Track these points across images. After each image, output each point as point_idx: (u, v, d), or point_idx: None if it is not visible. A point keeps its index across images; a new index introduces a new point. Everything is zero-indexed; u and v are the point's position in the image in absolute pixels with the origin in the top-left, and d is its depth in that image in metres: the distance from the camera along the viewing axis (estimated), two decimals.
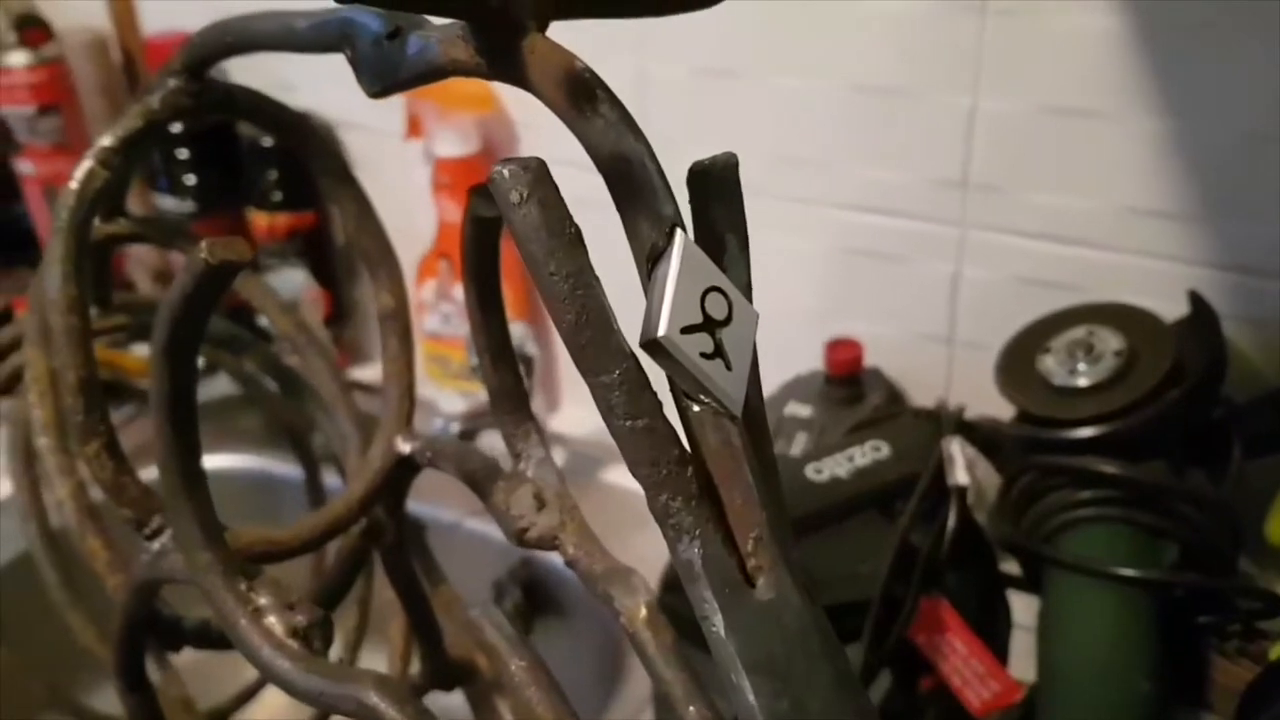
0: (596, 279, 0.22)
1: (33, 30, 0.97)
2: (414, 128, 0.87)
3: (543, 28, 0.25)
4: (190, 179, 0.95)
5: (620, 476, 0.87)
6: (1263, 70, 0.63)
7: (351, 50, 0.29)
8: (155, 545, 0.35)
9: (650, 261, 0.23)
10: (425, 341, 0.91)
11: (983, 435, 0.65)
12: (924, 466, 0.63)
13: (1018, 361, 0.66)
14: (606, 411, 0.22)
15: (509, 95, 0.85)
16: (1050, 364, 0.64)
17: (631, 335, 0.23)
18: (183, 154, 0.95)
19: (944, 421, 0.66)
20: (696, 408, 0.23)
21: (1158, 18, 0.65)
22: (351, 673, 0.28)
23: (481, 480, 0.35)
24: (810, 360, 0.78)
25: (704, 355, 0.22)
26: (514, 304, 0.88)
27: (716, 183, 0.25)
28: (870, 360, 0.78)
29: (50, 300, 0.34)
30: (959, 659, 0.60)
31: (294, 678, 0.29)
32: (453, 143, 0.85)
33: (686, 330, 0.22)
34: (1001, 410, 0.67)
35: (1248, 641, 0.61)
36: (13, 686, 0.68)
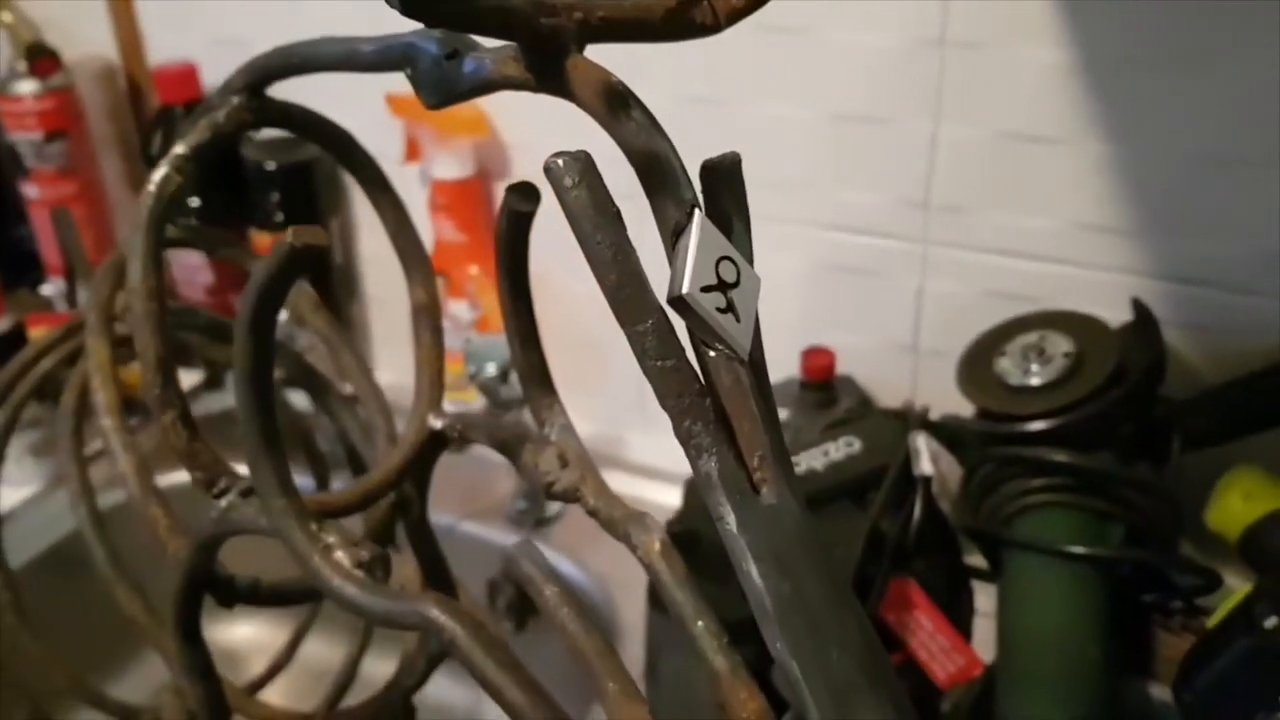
0: (633, 248, 0.28)
1: (42, 60, 1.02)
2: (412, 152, 0.93)
3: (581, 49, 0.30)
4: (194, 201, 0.99)
5: (614, 481, 0.92)
6: (1200, 98, 0.70)
7: (413, 70, 0.34)
8: (222, 503, 0.40)
9: (674, 236, 0.28)
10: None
11: (946, 430, 0.70)
12: (892, 460, 0.69)
13: (976, 364, 0.72)
14: (641, 354, 0.27)
15: (502, 121, 0.91)
16: (1006, 365, 0.70)
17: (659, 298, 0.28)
18: None
19: (910, 419, 0.71)
20: (712, 353, 0.28)
21: (1103, 52, 0.72)
22: (413, 594, 0.33)
23: (512, 445, 0.40)
24: (787, 368, 0.84)
25: (719, 310, 0.28)
26: None
27: (724, 176, 0.30)
28: (842, 368, 0.84)
29: (134, 288, 0.39)
30: (926, 635, 0.66)
31: (362, 600, 0.34)
32: (449, 166, 0.91)
33: (704, 290, 0.27)
34: (963, 411, 0.73)
35: (1189, 617, 0.67)
36: (37, 676, 0.72)
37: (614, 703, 0.32)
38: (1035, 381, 0.68)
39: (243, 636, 0.99)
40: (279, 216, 0.98)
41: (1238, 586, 0.61)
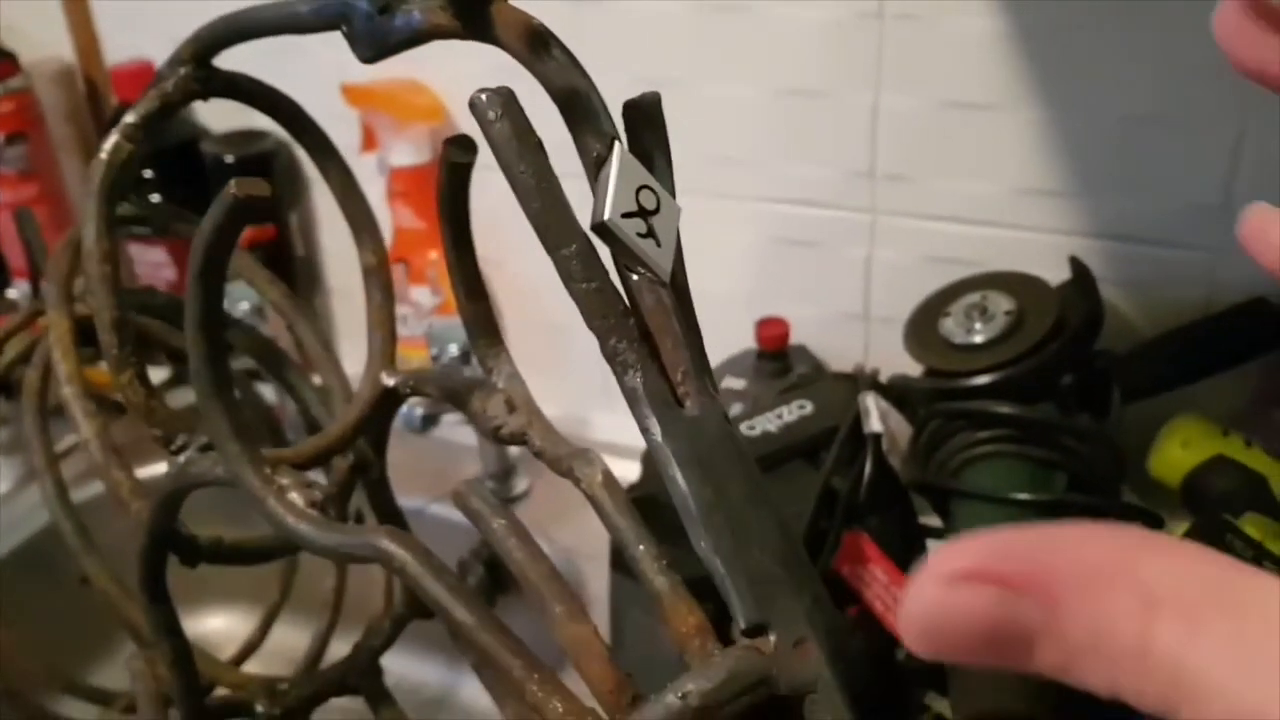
0: (555, 176, 0.29)
1: (0, 63, 1.03)
2: (369, 141, 0.94)
3: None
4: (155, 197, 1.00)
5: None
6: (1131, 60, 0.72)
7: (348, 26, 0.36)
8: (180, 459, 0.41)
9: (596, 167, 0.30)
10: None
11: (894, 390, 0.72)
12: (843, 420, 0.71)
13: (922, 325, 0.74)
14: (566, 277, 0.29)
15: (458, 106, 0.92)
16: (950, 325, 0.72)
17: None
18: (147, 173, 1.01)
19: (860, 381, 0.73)
20: (635, 276, 0.30)
21: (1036, 18, 0.74)
22: (366, 528, 0.34)
23: (461, 394, 0.41)
24: (743, 339, 0.86)
25: (639, 235, 0.29)
26: None
27: (645, 113, 0.32)
28: (796, 338, 0.86)
29: (88, 251, 0.40)
30: (880, 587, 0.68)
31: (316, 537, 0.35)
32: (407, 153, 0.92)
33: (625, 215, 0.29)
34: (911, 374, 0.75)
35: None
36: (12, 666, 0.73)
37: (560, 625, 0.34)
38: (978, 339, 0.71)
39: (216, 628, 1.00)
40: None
41: (1179, 529, 0.64)
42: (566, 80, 0.30)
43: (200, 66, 0.43)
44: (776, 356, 0.85)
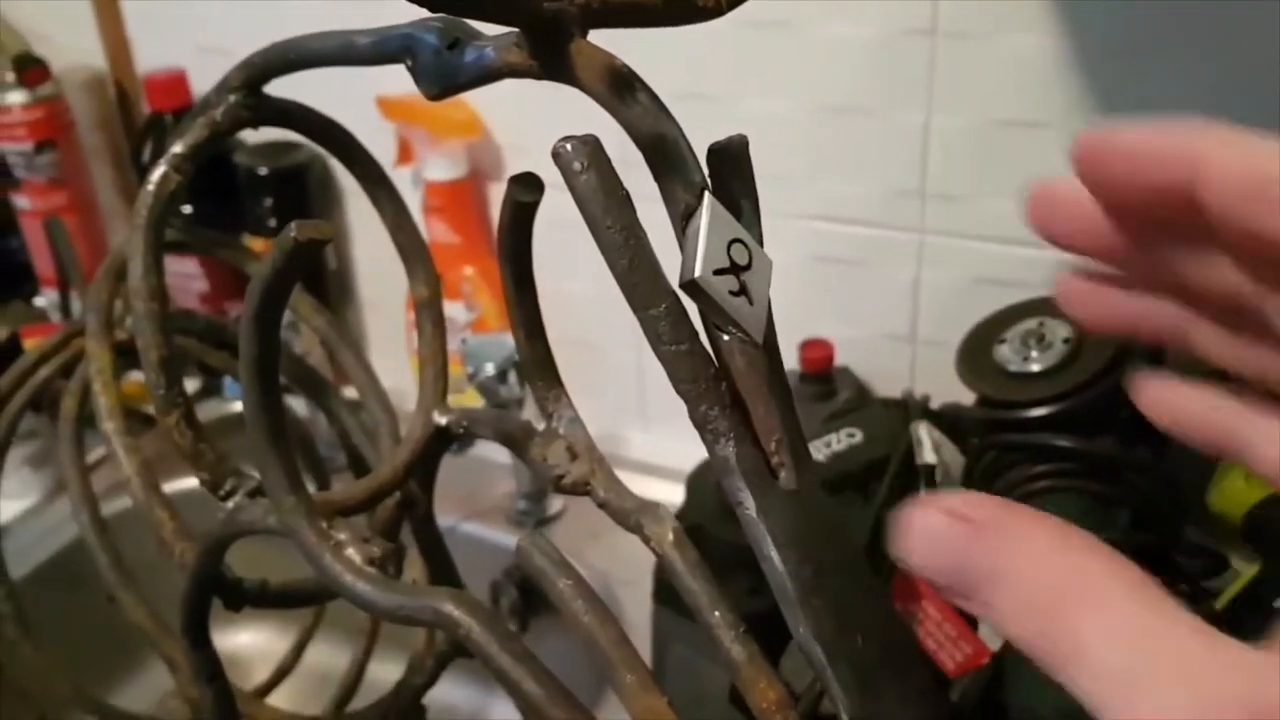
0: (644, 232, 0.27)
1: (31, 70, 1.01)
2: (405, 154, 0.92)
3: (584, 34, 0.30)
4: (186, 208, 0.99)
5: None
6: (1189, 83, 0.70)
7: (412, 61, 0.34)
8: (229, 504, 0.40)
9: (684, 219, 0.28)
10: (419, 358, 0.95)
11: (947, 419, 0.70)
12: (894, 449, 0.69)
13: (976, 352, 0.72)
14: (655, 339, 0.27)
15: (494, 121, 0.91)
16: (1005, 353, 0.70)
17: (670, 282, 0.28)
18: None
19: (911, 408, 0.71)
20: (726, 337, 0.28)
21: (1091, 39, 0.72)
22: (426, 589, 0.33)
23: (519, 439, 0.40)
24: (786, 361, 0.83)
25: (731, 293, 0.27)
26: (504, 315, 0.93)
27: (732, 158, 0.30)
28: (840, 360, 0.84)
29: (135, 289, 0.39)
30: (933, 624, 0.66)
31: (375, 597, 0.33)
32: (443, 168, 0.90)
33: (717, 273, 0.27)
34: (961, 400, 0.73)
35: (1196, 600, 0.67)
36: (40, 686, 0.72)
37: (631, 694, 0.32)
38: (1035, 368, 0.68)
39: (246, 643, 0.99)
40: (272, 222, 0.98)
41: (1243, 568, 0.61)
42: (653, 126, 0.28)
43: (251, 94, 0.42)
44: (820, 379, 0.82)
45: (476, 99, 0.89)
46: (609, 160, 0.27)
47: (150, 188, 0.40)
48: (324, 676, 0.72)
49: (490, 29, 0.32)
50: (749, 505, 0.27)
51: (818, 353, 0.82)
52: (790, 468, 0.27)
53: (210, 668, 0.45)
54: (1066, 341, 0.69)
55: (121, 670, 0.89)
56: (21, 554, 0.89)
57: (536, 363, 0.40)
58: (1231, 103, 0.69)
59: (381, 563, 0.34)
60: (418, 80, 0.34)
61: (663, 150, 0.28)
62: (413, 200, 0.94)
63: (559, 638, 0.92)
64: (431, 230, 0.93)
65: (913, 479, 0.67)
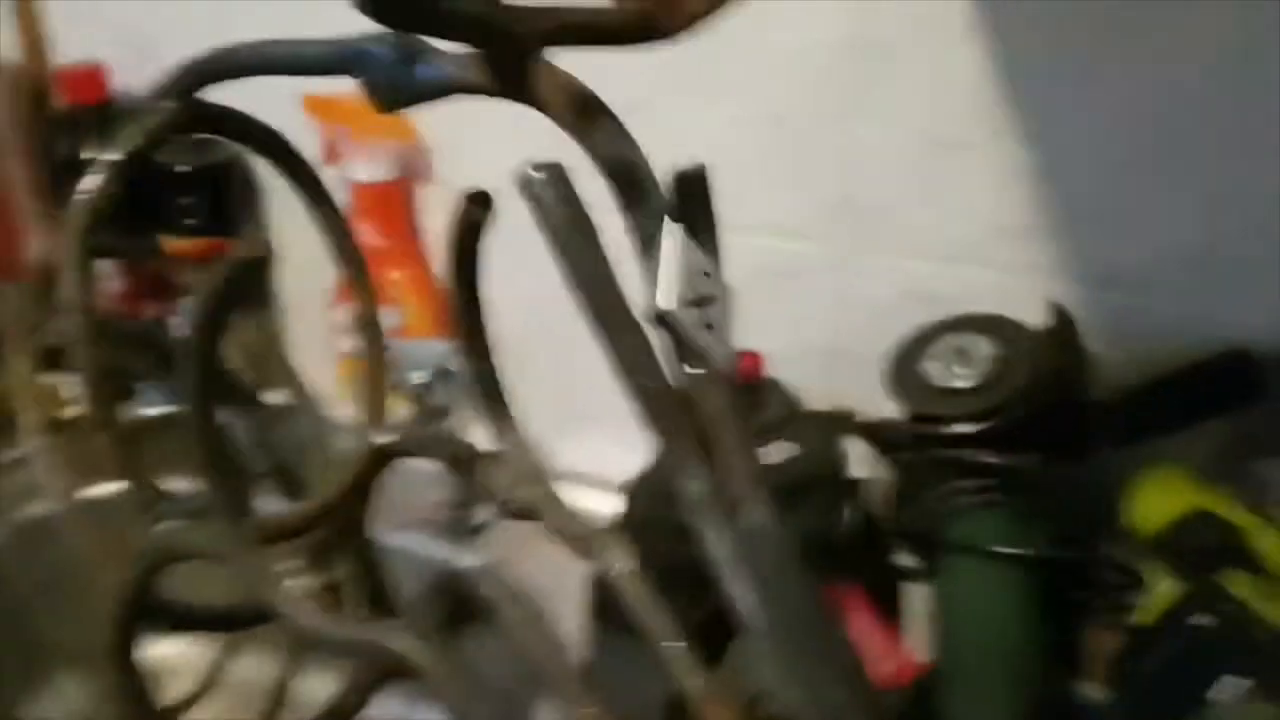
0: (610, 264, 0.27)
1: None
2: (331, 155, 0.90)
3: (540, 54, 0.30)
4: None
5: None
6: (1113, 105, 0.71)
7: (364, 74, 0.33)
8: (160, 528, 0.38)
9: (647, 246, 0.28)
10: (346, 363, 0.93)
11: (876, 433, 0.71)
12: (824, 463, 0.69)
13: (903, 367, 0.73)
14: (624, 373, 0.27)
15: (423, 122, 0.89)
16: (931, 368, 0.71)
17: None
18: None
19: (840, 423, 0.72)
20: (693, 370, 0.28)
21: (1019, 56, 0.73)
22: (377, 625, 0.32)
23: (465, 461, 0.39)
24: None
25: (697, 325, 0.27)
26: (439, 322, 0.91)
27: (692, 185, 0.30)
28: (768, 372, 0.84)
29: (69, 302, 0.37)
30: (860, 639, 0.66)
31: (321, 629, 0.32)
32: (370, 169, 0.89)
33: (684, 305, 0.27)
34: (886, 413, 0.73)
35: (1115, 614, 0.68)
36: None
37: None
38: (961, 384, 0.69)
39: (168, 654, 0.96)
40: (192, 220, 0.95)
41: (1160, 583, 0.63)
42: (617, 152, 0.28)
43: (189, 100, 0.40)
44: (749, 390, 0.83)
45: None
46: (575, 190, 0.27)
47: (83, 198, 0.38)
48: (252, 690, 0.70)
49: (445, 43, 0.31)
50: (713, 541, 0.27)
51: (746, 364, 0.83)
52: (754, 502, 0.27)
53: (136, 691, 0.44)
54: (990, 358, 0.70)
55: (33, 681, 0.86)
56: None
57: (486, 384, 0.39)
58: (1161, 120, 0.70)
59: (325, 594, 0.33)
60: (370, 93, 0.34)
61: (626, 176, 0.28)
62: (339, 200, 0.92)
63: (492, 644, 0.91)
64: (359, 232, 0.91)
65: (841, 492, 0.68)
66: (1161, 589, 0.61)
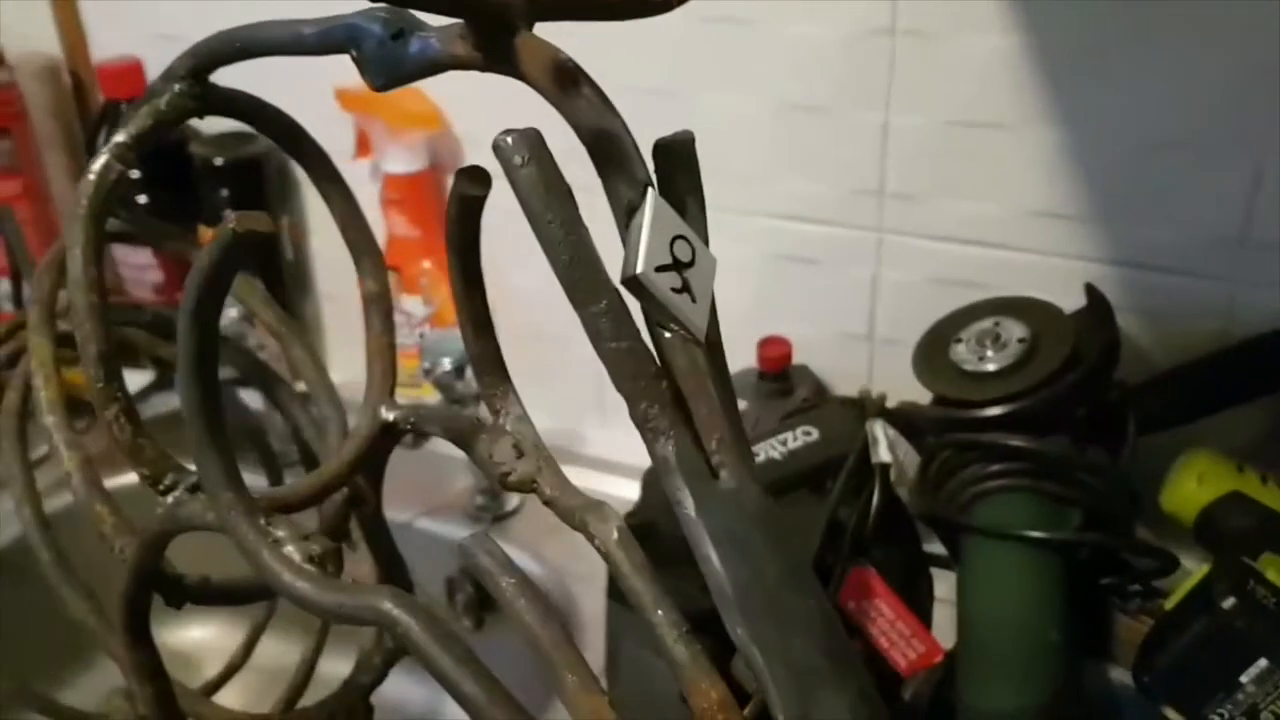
0: (585, 228, 0.27)
1: None
2: (363, 147, 0.92)
3: (530, 27, 0.30)
4: (142, 198, 0.98)
5: (572, 475, 0.91)
6: (1144, 82, 0.70)
7: (357, 51, 0.33)
8: (169, 499, 0.39)
9: (627, 215, 0.28)
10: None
11: (903, 418, 0.70)
12: (850, 448, 0.69)
13: (932, 351, 0.72)
14: (595, 336, 0.27)
15: (454, 113, 0.90)
16: (962, 352, 0.70)
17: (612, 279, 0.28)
18: (134, 174, 0.98)
19: (868, 407, 0.71)
20: (668, 334, 0.28)
21: (1050, 37, 0.72)
22: (367, 587, 0.32)
23: (466, 435, 0.39)
24: (744, 358, 0.84)
25: (674, 290, 0.27)
26: None
27: (677, 155, 0.30)
28: (798, 358, 0.84)
29: (74, 280, 0.38)
30: (886, 623, 0.66)
31: (314, 595, 0.33)
32: (401, 160, 0.89)
33: (659, 269, 0.27)
34: (919, 399, 0.73)
35: (1146, 599, 0.67)
36: None
37: (572, 695, 0.32)
38: (991, 367, 0.69)
39: (197, 639, 0.98)
40: (228, 212, 0.96)
41: (1194, 569, 0.62)
42: (597, 121, 0.28)
43: (197, 83, 0.41)
44: (778, 377, 0.83)
45: (436, 90, 0.88)
46: (550, 154, 0.27)
47: (91, 177, 0.39)
48: (276, 673, 0.71)
49: (437, 19, 0.31)
50: (688, 505, 0.27)
51: (776, 350, 0.82)
52: (731, 467, 0.27)
53: (151, 666, 0.44)
54: (1022, 341, 0.69)
55: (69, 667, 0.88)
56: None
57: (485, 359, 0.40)
58: (1198, 100, 0.69)
59: (321, 560, 0.34)
60: (363, 71, 0.34)
61: (606, 145, 0.28)
62: (371, 193, 0.93)
63: (514, 631, 0.92)
64: (390, 223, 0.92)
65: (868, 478, 0.67)
66: (1195, 574, 0.60)
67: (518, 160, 0.26)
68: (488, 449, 0.39)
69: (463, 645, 0.31)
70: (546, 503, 0.38)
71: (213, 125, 1.00)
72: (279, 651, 0.78)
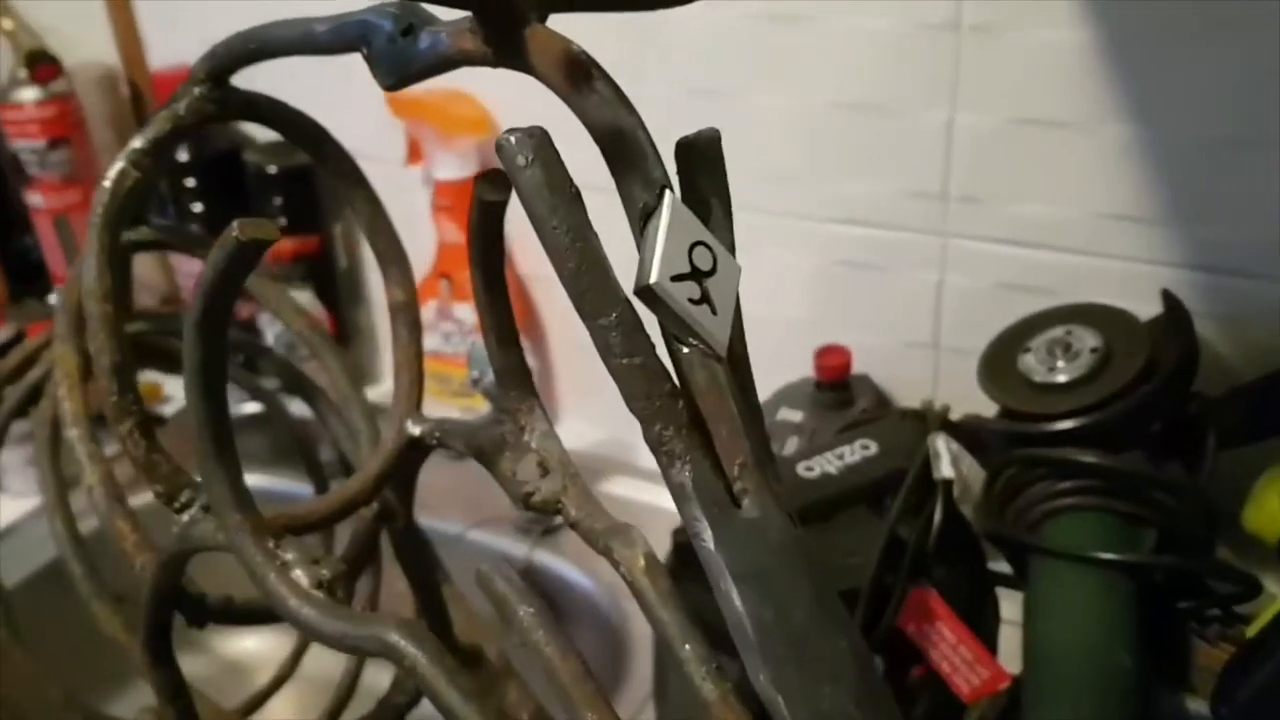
0: (594, 233, 0.25)
1: (43, 66, 1.00)
2: (414, 154, 0.90)
3: (542, 19, 0.28)
4: (197, 206, 0.98)
5: (620, 488, 0.89)
6: (1224, 78, 0.66)
7: (368, 49, 0.32)
8: (184, 518, 0.38)
9: (642, 219, 0.25)
10: (427, 361, 0.93)
11: (967, 431, 0.67)
12: (911, 462, 0.66)
13: (999, 361, 0.69)
14: (605, 351, 0.25)
15: (506, 118, 0.88)
16: (1030, 362, 0.67)
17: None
18: (189, 182, 0.98)
19: (930, 419, 0.68)
20: (685, 349, 0.25)
21: (1122, 31, 0.68)
22: (373, 616, 0.30)
23: (489, 452, 0.37)
24: (801, 368, 0.81)
25: (692, 301, 0.25)
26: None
27: (701, 154, 0.27)
28: (858, 368, 0.81)
29: (87, 289, 0.37)
30: (948, 647, 0.63)
31: (319, 623, 0.31)
32: (452, 166, 0.88)
33: (676, 278, 0.25)
34: (985, 411, 0.69)
35: (1226, 625, 0.63)
36: (31, 692, 0.70)
37: None
38: (1061, 378, 0.65)
39: (250, 649, 0.97)
40: (282, 221, 0.96)
41: (1278, 592, 0.58)
42: (610, 118, 0.26)
43: (216, 86, 0.39)
44: (837, 387, 0.80)
45: (488, 95, 0.87)
46: (557, 154, 0.25)
47: (106, 184, 0.38)
48: (326, 684, 0.70)
49: (447, 13, 0.29)
50: (705, 537, 0.24)
51: (834, 360, 0.80)
52: (754, 494, 0.25)
53: (173, 685, 0.43)
54: (1095, 351, 0.66)
55: (119, 678, 0.87)
56: (24, 555, 0.88)
57: (509, 371, 0.38)
58: (1270, 100, 0.65)
59: (330, 585, 0.32)
60: (374, 69, 0.32)
61: (620, 144, 0.26)
62: (422, 200, 0.92)
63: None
64: (441, 230, 0.91)
65: (929, 494, 0.64)
66: (1278, 597, 0.56)
67: (521, 161, 0.24)
68: (511, 467, 0.37)
69: (471, 681, 0.29)
70: (571, 525, 0.35)
71: (267, 133, 0.99)
72: (330, 663, 0.77)
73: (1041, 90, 0.72)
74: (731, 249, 0.27)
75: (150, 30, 1.04)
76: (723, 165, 0.28)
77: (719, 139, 0.28)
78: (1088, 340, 0.67)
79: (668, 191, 0.26)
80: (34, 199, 1.06)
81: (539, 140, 0.25)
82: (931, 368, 0.82)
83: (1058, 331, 0.68)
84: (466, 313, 0.91)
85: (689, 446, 0.24)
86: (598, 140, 0.26)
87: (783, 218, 0.81)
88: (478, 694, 0.29)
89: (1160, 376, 0.64)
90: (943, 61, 0.74)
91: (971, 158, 0.76)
